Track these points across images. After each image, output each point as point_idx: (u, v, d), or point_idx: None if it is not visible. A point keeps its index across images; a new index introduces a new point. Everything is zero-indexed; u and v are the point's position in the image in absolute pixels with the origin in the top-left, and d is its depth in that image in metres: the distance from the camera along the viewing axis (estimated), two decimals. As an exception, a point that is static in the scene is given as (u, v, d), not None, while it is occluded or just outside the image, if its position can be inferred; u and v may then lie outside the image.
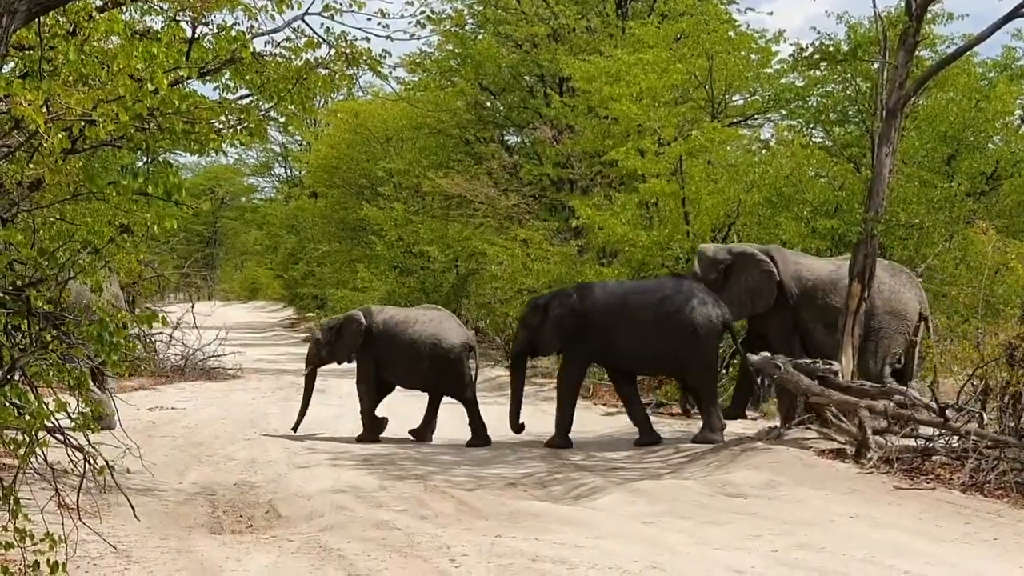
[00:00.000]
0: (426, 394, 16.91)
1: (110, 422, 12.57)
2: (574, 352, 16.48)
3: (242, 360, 26.04)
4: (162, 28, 10.94)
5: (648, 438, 15.93)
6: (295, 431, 16.53)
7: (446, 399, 16.75)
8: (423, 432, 16.59)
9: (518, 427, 16.43)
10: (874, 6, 17.62)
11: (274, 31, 11.94)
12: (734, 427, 16.11)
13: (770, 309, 17.07)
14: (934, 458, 12.29)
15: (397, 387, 17.04)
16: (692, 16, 28.53)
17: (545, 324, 16.41)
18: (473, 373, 16.74)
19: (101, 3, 10.56)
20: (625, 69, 24.62)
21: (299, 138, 53.83)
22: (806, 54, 19.41)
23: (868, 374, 16.18)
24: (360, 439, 16.27)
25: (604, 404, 20.09)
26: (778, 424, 15.25)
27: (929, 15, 18.09)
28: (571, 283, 19.09)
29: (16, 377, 7.72)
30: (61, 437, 8.36)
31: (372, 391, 16.66)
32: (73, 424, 7.71)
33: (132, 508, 9.21)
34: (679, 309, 15.82)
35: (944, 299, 19.25)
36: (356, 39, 12.09)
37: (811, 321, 17.00)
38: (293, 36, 12.01)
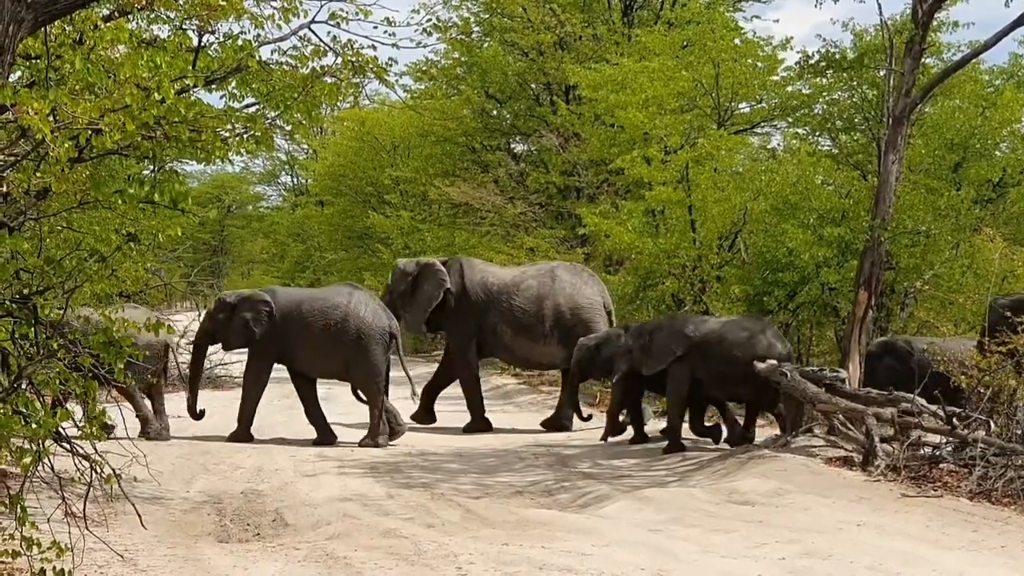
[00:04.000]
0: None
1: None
2: (260, 351, 17.16)
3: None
4: (168, 37, 10.94)
5: (325, 438, 16.97)
6: None
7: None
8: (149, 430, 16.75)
9: (197, 414, 17.27)
10: (880, 14, 17.56)
11: (280, 39, 11.93)
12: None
13: (454, 315, 18.68)
14: (941, 466, 12.28)
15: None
16: (698, 24, 28.56)
17: (232, 321, 17.17)
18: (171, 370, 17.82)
19: (107, 12, 10.57)
20: (631, 77, 24.66)
21: (305, 146, 53.82)
22: (812, 62, 19.43)
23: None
24: None
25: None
26: (784, 432, 15.23)
27: (935, 23, 18.11)
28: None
29: (23, 386, 7.73)
30: (68, 445, 8.35)
31: None
32: (80, 433, 7.71)
33: (139, 516, 9.21)
34: (345, 317, 16.70)
35: (951, 307, 19.24)
36: (362, 47, 12.09)
37: (499, 323, 18.54)
38: (299, 44, 12.03)
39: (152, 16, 11.74)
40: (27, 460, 7.39)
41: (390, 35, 12.27)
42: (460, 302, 18.73)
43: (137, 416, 16.49)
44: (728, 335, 15.83)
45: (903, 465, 12.14)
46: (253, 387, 17.15)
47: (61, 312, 8.03)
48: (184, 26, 11.43)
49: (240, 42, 10.51)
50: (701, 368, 15.83)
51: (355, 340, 16.72)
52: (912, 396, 13.24)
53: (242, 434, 16.85)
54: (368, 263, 38.55)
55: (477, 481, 13.78)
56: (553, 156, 30.61)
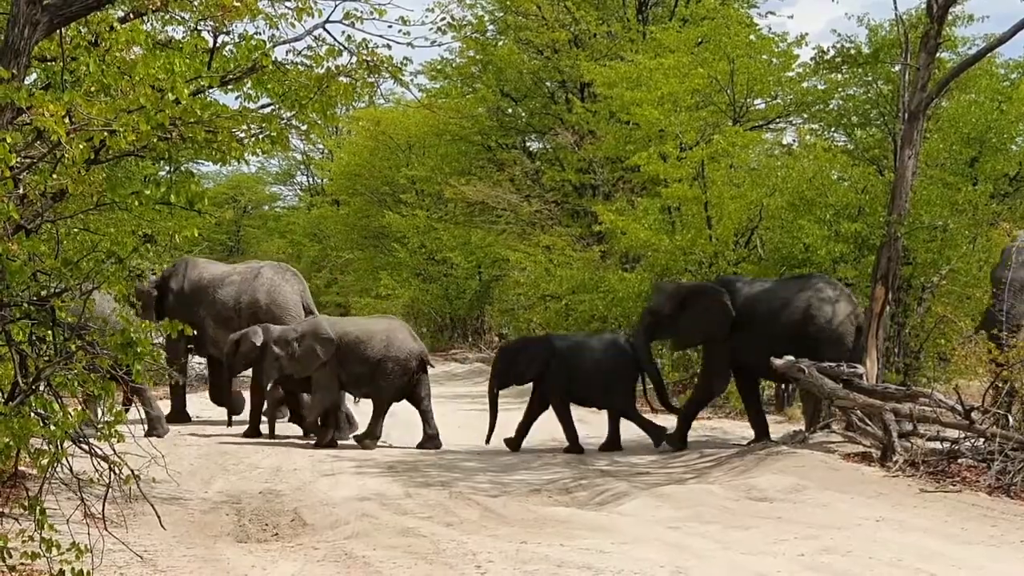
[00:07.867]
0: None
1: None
2: None
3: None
4: (184, 38, 10.96)
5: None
6: None
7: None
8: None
9: None
10: (895, 8, 17.57)
11: (295, 39, 11.97)
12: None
13: (172, 312, 18.88)
14: (960, 461, 12.24)
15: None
16: (713, 20, 28.49)
17: None
18: None
19: (122, 14, 10.60)
20: (646, 74, 24.63)
21: (321, 146, 53.84)
22: (827, 57, 19.39)
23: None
24: None
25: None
26: (802, 428, 15.21)
27: (950, 17, 18.05)
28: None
29: (41, 387, 7.74)
30: (86, 447, 8.37)
31: None
32: (98, 434, 7.72)
33: (158, 517, 9.21)
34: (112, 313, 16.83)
35: (969, 301, 19.17)
36: (377, 47, 12.10)
37: (205, 317, 19.21)
38: (314, 44, 12.04)
39: (167, 17, 11.78)
40: (45, 461, 7.40)
41: (405, 34, 12.28)
42: (178, 299, 19.55)
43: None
44: (364, 336, 16.74)
45: (921, 460, 12.12)
46: None
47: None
48: (199, 27, 11.46)
49: (255, 42, 10.53)
50: (342, 370, 16.70)
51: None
52: (930, 391, 13.21)
53: None
54: (384, 262, 38.57)
55: (495, 479, 13.79)
56: (568, 154, 30.58)
